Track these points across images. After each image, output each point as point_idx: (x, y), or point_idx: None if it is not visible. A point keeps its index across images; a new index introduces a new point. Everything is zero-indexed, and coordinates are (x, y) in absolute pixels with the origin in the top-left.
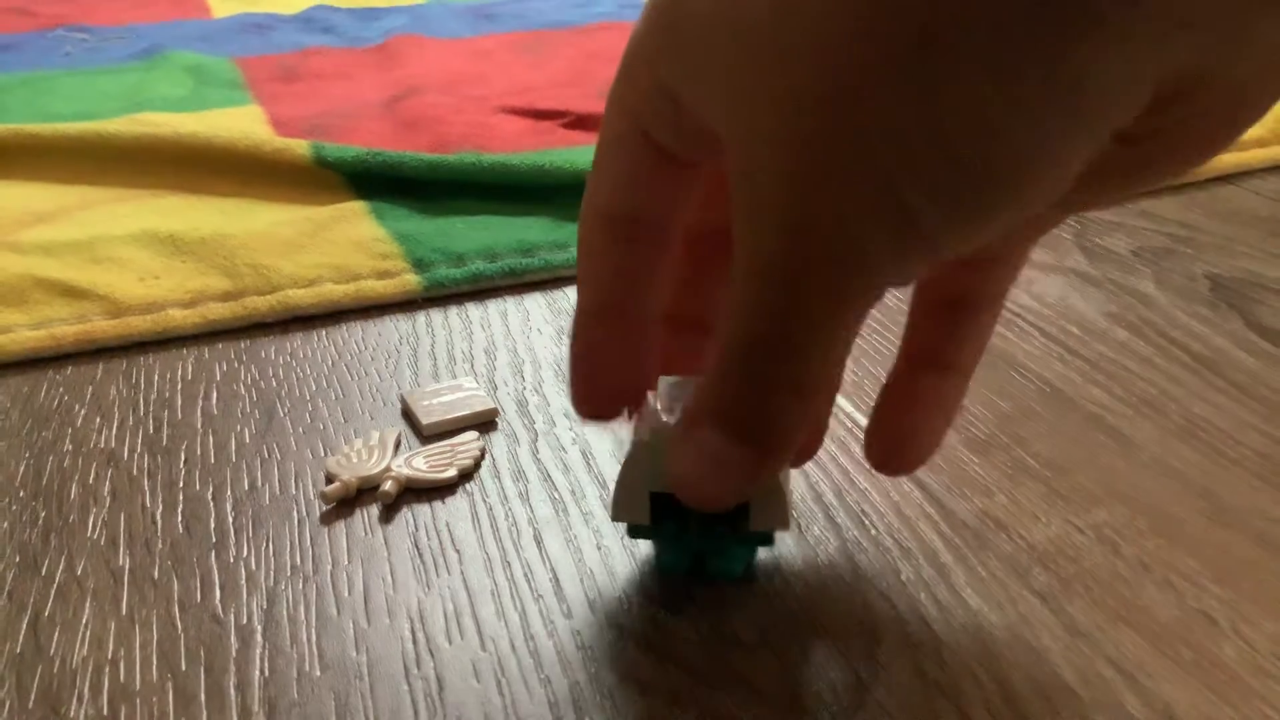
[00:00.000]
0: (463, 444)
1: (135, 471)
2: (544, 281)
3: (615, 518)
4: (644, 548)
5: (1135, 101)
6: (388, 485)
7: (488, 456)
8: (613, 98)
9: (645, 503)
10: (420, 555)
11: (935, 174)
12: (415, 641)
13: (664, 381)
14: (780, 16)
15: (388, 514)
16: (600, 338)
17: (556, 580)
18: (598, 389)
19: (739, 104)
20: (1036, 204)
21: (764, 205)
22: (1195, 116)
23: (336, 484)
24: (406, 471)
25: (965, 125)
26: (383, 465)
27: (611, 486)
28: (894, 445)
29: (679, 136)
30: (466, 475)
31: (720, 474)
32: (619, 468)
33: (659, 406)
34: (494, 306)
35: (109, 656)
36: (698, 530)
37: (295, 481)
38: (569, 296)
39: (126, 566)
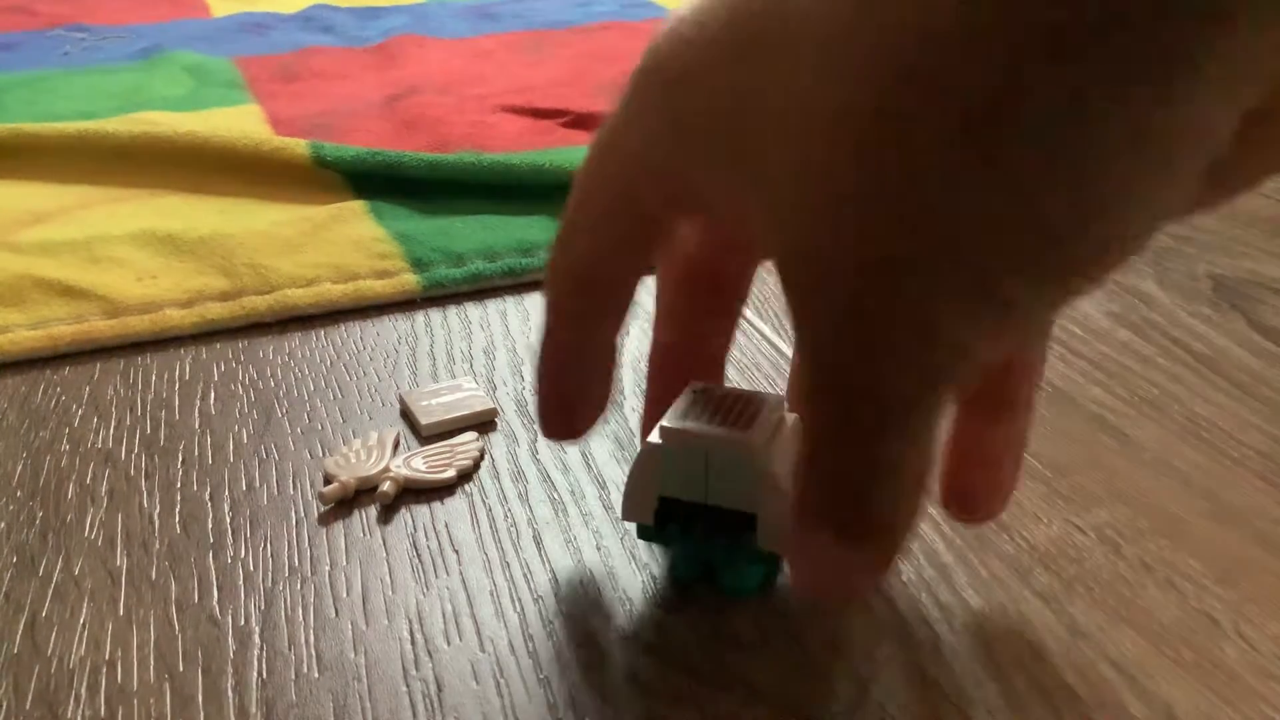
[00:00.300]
0: (462, 444)
1: (133, 472)
2: (543, 281)
3: (624, 517)
4: (643, 550)
5: (1228, 135)
6: (386, 486)
7: (487, 457)
8: (597, 167)
9: (652, 505)
10: (419, 556)
11: (1023, 247)
12: (414, 643)
13: (690, 389)
14: (829, 97)
15: (386, 515)
16: (568, 373)
17: (556, 581)
18: (564, 416)
19: (785, 191)
20: (1135, 252)
21: (831, 297)
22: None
23: (335, 485)
24: (405, 472)
25: (1053, 192)
26: (381, 466)
27: (611, 487)
28: (973, 502)
29: (676, 208)
30: (465, 476)
31: (839, 576)
32: (625, 469)
33: (673, 411)
34: (493, 306)
35: (106, 657)
36: (701, 538)
37: (293, 482)
38: None
39: (124, 567)
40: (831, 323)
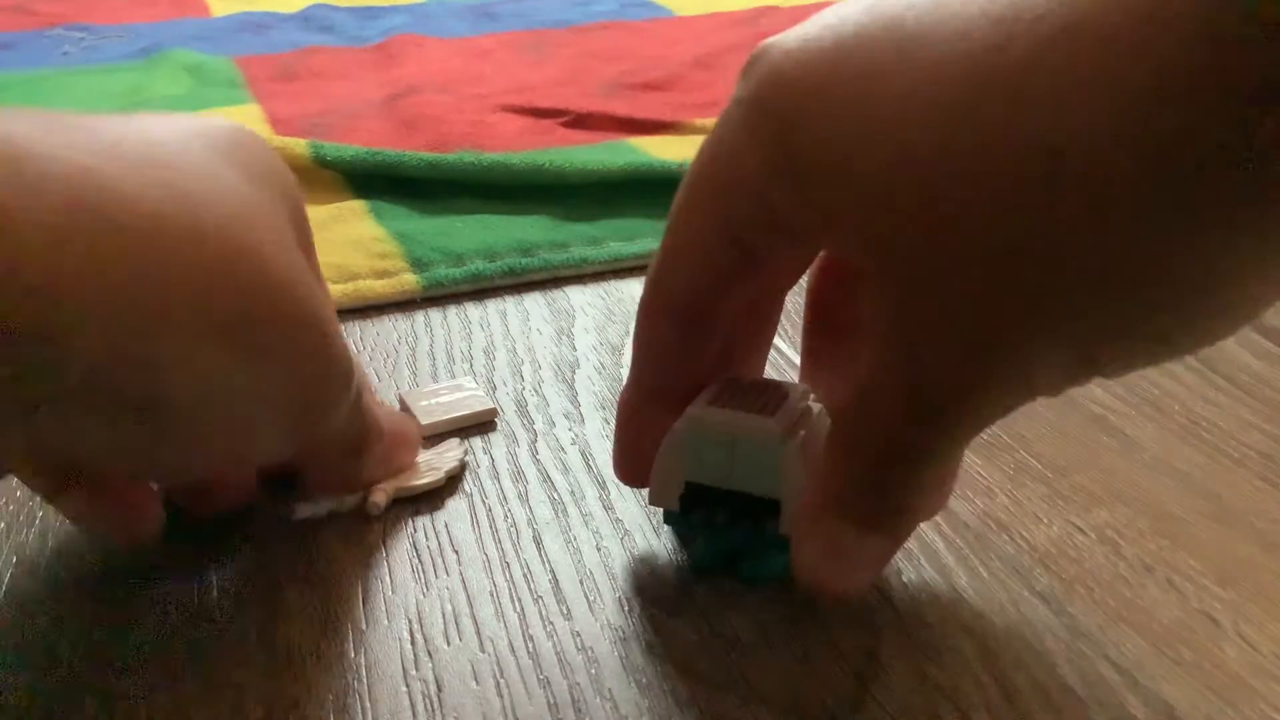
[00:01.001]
0: (447, 450)
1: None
2: (543, 281)
3: (650, 502)
4: (643, 549)
5: None
6: (377, 496)
7: (487, 457)
8: (697, 199)
9: (678, 490)
10: (419, 556)
11: (1128, 330)
12: (414, 643)
13: (717, 378)
14: (960, 163)
15: (386, 515)
16: (654, 415)
17: (556, 581)
18: (645, 460)
19: (904, 238)
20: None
21: (932, 330)
22: None
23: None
24: (392, 481)
25: (1163, 283)
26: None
27: (611, 487)
28: None
29: (778, 244)
30: (454, 478)
31: (848, 563)
32: (611, 452)
33: (700, 399)
34: (493, 306)
35: (106, 658)
36: (725, 524)
37: (294, 481)
38: (569, 297)
39: (125, 567)
40: (941, 352)
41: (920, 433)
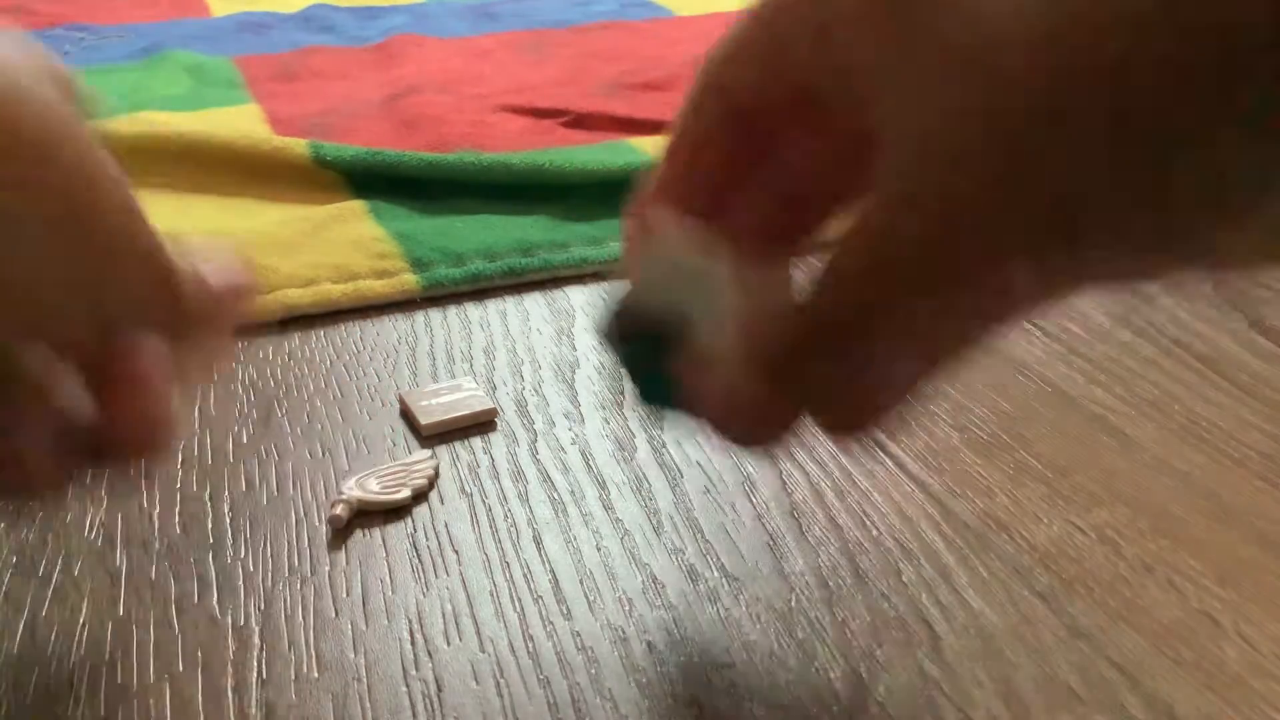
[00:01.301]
0: (416, 462)
1: (132, 471)
2: (543, 281)
3: (596, 329)
4: (644, 550)
5: None
6: (339, 510)
7: (487, 456)
8: (754, 18)
9: (616, 307)
10: (419, 556)
11: (1129, 222)
12: (414, 643)
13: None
14: (1017, 27)
15: (385, 515)
16: (686, 168)
17: (556, 581)
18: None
19: (923, 95)
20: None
21: (927, 194)
22: None
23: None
24: (358, 494)
25: (1182, 178)
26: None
27: (611, 487)
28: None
29: (828, 87)
30: (420, 495)
31: (748, 411)
32: (625, 469)
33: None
34: (493, 306)
35: (106, 658)
36: (650, 348)
37: (293, 482)
38: (569, 296)
39: (124, 568)
40: (913, 220)
41: (876, 289)
